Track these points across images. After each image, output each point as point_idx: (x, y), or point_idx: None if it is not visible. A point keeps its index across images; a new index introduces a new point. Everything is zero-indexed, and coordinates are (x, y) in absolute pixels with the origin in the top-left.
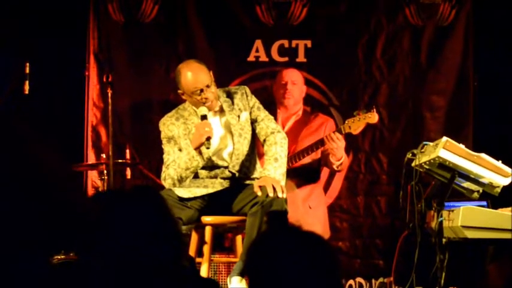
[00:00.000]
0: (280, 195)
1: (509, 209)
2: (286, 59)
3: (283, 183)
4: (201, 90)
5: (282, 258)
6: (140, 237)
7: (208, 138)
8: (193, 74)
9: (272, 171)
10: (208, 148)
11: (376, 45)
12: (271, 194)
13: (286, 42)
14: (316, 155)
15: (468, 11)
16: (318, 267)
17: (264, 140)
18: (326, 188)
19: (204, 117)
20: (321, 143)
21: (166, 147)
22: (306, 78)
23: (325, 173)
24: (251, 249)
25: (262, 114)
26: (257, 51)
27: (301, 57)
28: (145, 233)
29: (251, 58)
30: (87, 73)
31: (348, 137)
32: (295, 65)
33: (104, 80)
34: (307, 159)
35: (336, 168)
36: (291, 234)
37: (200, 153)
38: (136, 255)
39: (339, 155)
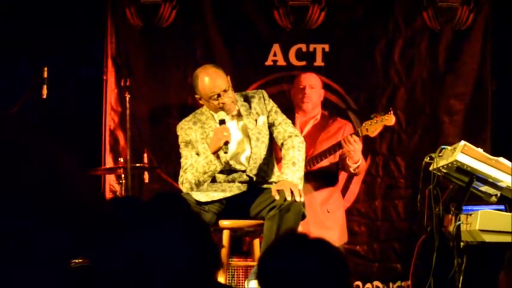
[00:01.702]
0: (298, 199)
1: None
2: (304, 63)
3: (301, 187)
4: (218, 95)
5: (291, 264)
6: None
7: (227, 143)
8: (210, 79)
9: (290, 175)
10: (226, 153)
11: (394, 49)
12: (289, 198)
13: (304, 47)
14: (334, 158)
15: (486, 15)
16: (327, 274)
17: (282, 144)
18: (344, 192)
19: (222, 121)
20: (338, 145)
21: (184, 151)
22: (324, 82)
23: (343, 176)
24: (261, 255)
25: (280, 118)
26: (275, 55)
27: (318, 62)
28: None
29: (269, 62)
30: (105, 77)
31: (366, 140)
32: (312, 69)
33: (122, 84)
34: (325, 163)
35: (352, 171)
36: (301, 240)
37: (218, 157)
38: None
39: (356, 158)
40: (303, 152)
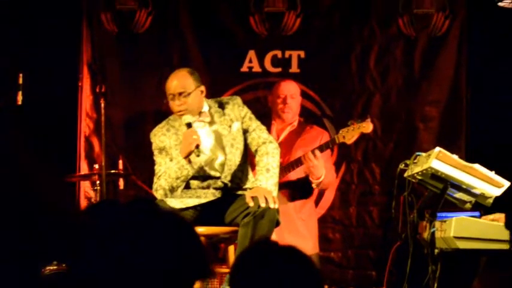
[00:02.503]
0: (272, 205)
1: (490, 216)
2: (279, 69)
3: (275, 193)
4: (173, 96)
5: (263, 272)
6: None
7: (197, 146)
8: (171, 79)
9: (264, 182)
10: (198, 156)
11: (369, 56)
12: (263, 205)
13: (279, 53)
14: (301, 173)
15: (462, 22)
16: (300, 282)
17: (256, 150)
18: (318, 199)
19: (189, 125)
20: (299, 162)
21: (158, 158)
22: (300, 88)
23: None
24: (234, 263)
25: (254, 124)
26: (250, 61)
27: (294, 68)
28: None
29: (244, 69)
30: (80, 83)
31: (341, 147)
32: (288, 75)
33: (97, 90)
34: (301, 173)
35: (315, 187)
36: (273, 248)
37: (190, 161)
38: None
39: (318, 174)
40: (277, 159)
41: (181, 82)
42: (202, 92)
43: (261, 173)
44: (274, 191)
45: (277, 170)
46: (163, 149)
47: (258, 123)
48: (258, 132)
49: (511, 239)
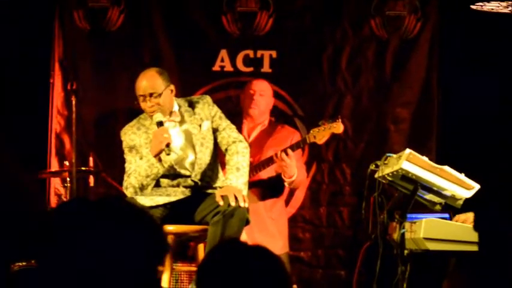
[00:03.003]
0: (242, 204)
1: (462, 216)
2: (251, 69)
3: (245, 192)
4: (144, 98)
5: (230, 272)
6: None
7: (168, 145)
8: (140, 80)
9: (234, 181)
10: (168, 154)
11: (341, 57)
12: (233, 204)
13: (251, 53)
14: (271, 172)
15: (433, 24)
16: (267, 282)
17: (226, 150)
18: (289, 198)
19: (160, 123)
20: (271, 160)
21: (128, 156)
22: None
23: None
24: (201, 262)
25: (224, 123)
26: (222, 61)
27: (266, 68)
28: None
29: (216, 68)
30: (51, 80)
31: (312, 147)
32: (260, 75)
33: (68, 87)
34: (272, 172)
35: (287, 186)
36: (241, 248)
37: (160, 160)
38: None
39: (290, 173)
40: (247, 158)
41: (151, 83)
42: (172, 91)
43: (231, 172)
44: (244, 189)
45: (247, 169)
46: (133, 147)
47: (228, 122)
48: (228, 132)
49: (479, 241)
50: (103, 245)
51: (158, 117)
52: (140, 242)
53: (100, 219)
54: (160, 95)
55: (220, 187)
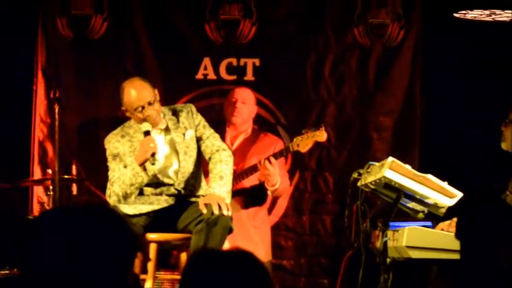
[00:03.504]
0: (225, 213)
1: (447, 222)
2: (234, 77)
3: (228, 201)
4: (143, 108)
5: (215, 278)
6: (86, 251)
7: (153, 154)
8: (135, 92)
9: (217, 189)
10: (153, 164)
11: (324, 65)
12: (216, 212)
13: (234, 61)
14: (254, 180)
15: (417, 32)
16: (247, 285)
17: (209, 158)
18: (272, 207)
19: (147, 133)
20: (254, 168)
21: (112, 164)
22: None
23: None
24: (185, 268)
25: (208, 132)
26: (205, 69)
27: (249, 76)
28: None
29: (199, 76)
30: (34, 88)
31: (295, 155)
32: (243, 83)
33: (51, 95)
34: (255, 181)
35: (270, 194)
36: (225, 254)
37: (145, 169)
38: (78, 271)
39: (274, 181)
40: (231, 166)
41: (148, 91)
42: (157, 95)
43: (214, 181)
44: (228, 198)
45: (231, 177)
46: (117, 155)
47: (212, 131)
48: (212, 140)
49: (461, 249)
50: (74, 247)
51: (146, 126)
52: (109, 242)
53: (71, 222)
54: (155, 100)
55: (203, 195)
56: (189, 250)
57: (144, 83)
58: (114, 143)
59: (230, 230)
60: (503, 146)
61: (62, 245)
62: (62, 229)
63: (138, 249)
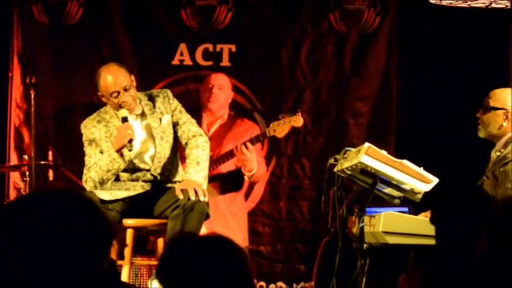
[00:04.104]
0: (202, 198)
1: (429, 212)
2: (210, 63)
3: (205, 186)
4: (118, 93)
5: (192, 263)
6: (58, 238)
7: (131, 141)
8: (111, 77)
9: (194, 175)
10: (130, 150)
11: (301, 51)
12: (192, 198)
13: (210, 46)
14: (231, 166)
15: (392, 18)
16: (230, 273)
17: (186, 143)
18: (248, 192)
19: (125, 119)
20: (230, 154)
21: (88, 150)
22: (231, 82)
23: None
24: (162, 254)
25: (184, 117)
26: (181, 54)
27: (225, 62)
28: (64, 234)
29: (175, 62)
30: (10, 74)
31: (271, 141)
32: (219, 69)
33: (27, 81)
34: (231, 166)
35: (247, 179)
36: (203, 239)
37: (122, 155)
38: (55, 258)
39: (251, 167)
40: (208, 152)
41: (124, 77)
42: (133, 81)
43: (191, 166)
44: (204, 183)
45: (207, 163)
46: (93, 141)
47: (188, 116)
48: (188, 126)
49: (436, 235)
50: (47, 234)
51: (123, 112)
52: (84, 230)
53: (43, 208)
54: (130, 87)
55: (180, 181)
56: (166, 236)
57: (120, 69)
58: (91, 128)
59: (207, 216)
60: (480, 133)
61: (34, 232)
62: (34, 216)
63: (113, 236)
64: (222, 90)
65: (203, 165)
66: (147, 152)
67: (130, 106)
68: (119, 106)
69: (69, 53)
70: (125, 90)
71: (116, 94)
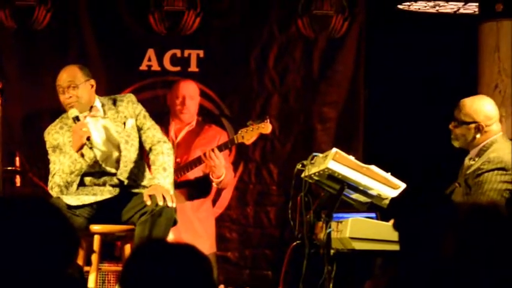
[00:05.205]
0: (170, 204)
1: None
2: (178, 68)
3: (172, 192)
4: (63, 89)
5: (155, 271)
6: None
7: (88, 138)
8: (62, 73)
9: (162, 180)
10: (91, 148)
11: (269, 56)
12: (160, 203)
13: (178, 52)
14: (198, 172)
15: (361, 24)
16: (193, 281)
17: (150, 149)
18: (216, 198)
19: (77, 118)
20: (199, 160)
21: (52, 156)
22: (199, 88)
23: None
24: (126, 261)
25: (149, 123)
26: (149, 60)
27: (193, 67)
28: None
29: (143, 67)
30: None
31: (239, 147)
32: (187, 74)
33: None
34: (199, 173)
35: (215, 186)
36: (166, 246)
37: (83, 155)
38: (18, 263)
39: (219, 173)
40: (172, 158)
41: (70, 75)
42: (92, 86)
43: (158, 172)
44: (171, 189)
45: (173, 169)
46: (57, 147)
47: (153, 122)
48: (153, 131)
49: (399, 240)
50: (11, 240)
51: (74, 112)
52: (48, 236)
53: (8, 214)
54: (77, 86)
55: (147, 186)
56: (133, 241)
57: (77, 69)
58: (54, 134)
59: (174, 222)
60: (455, 144)
61: None
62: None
63: (78, 242)
64: (193, 100)
65: (169, 171)
66: (113, 156)
67: (74, 105)
68: (69, 106)
69: (36, 58)
70: (71, 87)
71: (61, 90)
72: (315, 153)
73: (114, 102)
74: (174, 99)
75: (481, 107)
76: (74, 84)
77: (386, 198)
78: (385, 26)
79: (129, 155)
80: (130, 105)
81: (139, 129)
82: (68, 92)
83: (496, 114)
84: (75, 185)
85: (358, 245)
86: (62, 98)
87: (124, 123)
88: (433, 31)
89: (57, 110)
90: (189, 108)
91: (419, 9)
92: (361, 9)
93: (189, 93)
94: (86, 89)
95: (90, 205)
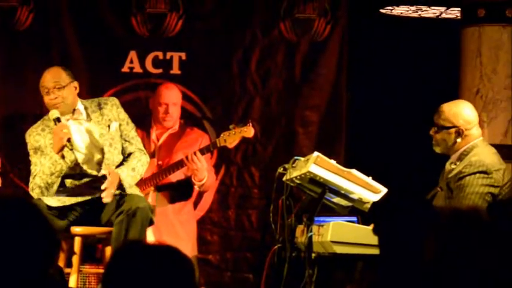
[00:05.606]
0: (107, 200)
1: None
2: (160, 70)
3: (129, 191)
4: (48, 90)
5: (137, 272)
6: (3, 245)
7: (69, 139)
8: (46, 74)
9: (124, 173)
10: (71, 149)
11: (251, 59)
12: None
13: (160, 54)
14: (180, 175)
15: (343, 27)
16: (175, 282)
17: (129, 154)
18: (197, 201)
19: (58, 119)
20: (180, 163)
21: (33, 158)
22: (180, 90)
23: None
24: (108, 262)
25: (132, 133)
26: (131, 62)
27: (175, 70)
28: (8, 241)
29: (125, 69)
30: None
31: (221, 150)
32: (169, 77)
33: None
34: (180, 175)
35: (198, 189)
36: (148, 248)
37: (63, 157)
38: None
39: (201, 176)
40: (144, 169)
41: (54, 76)
42: (76, 88)
43: (126, 167)
44: (128, 189)
45: (139, 178)
46: (38, 149)
47: (135, 134)
48: (135, 142)
49: (379, 244)
50: None
51: (55, 113)
52: (28, 238)
53: None
54: (63, 87)
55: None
56: (111, 241)
57: (60, 70)
58: (35, 136)
59: (151, 222)
60: (436, 150)
61: None
62: None
63: (58, 244)
64: (176, 106)
65: (136, 176)
66: (96, 158)
67: (59, 106)
68: (53, 107)
69: (18, 59)
70: (56, 88)
71: (46, 90)
72: (296, 157)
73: (99, 105)
74: (157, 107)
75: (460, 111)
76: (60, 85)
77: (368, 202)
78: (367, 30)
79: (112, 157)
80: (114, 109)
81: (121, 135)
82: (54, 92)
83: (475, 118)
84: (55, 186)
85: (340, 249)
86: (47, 99)
87: (108, 126)
88: (416, 35)
89: (39, 112)
90: (172, 115)
91: (401, 13)
92: (343, 12)
93: (172, 100)
94: (70, 90)
95: (71, 207)
